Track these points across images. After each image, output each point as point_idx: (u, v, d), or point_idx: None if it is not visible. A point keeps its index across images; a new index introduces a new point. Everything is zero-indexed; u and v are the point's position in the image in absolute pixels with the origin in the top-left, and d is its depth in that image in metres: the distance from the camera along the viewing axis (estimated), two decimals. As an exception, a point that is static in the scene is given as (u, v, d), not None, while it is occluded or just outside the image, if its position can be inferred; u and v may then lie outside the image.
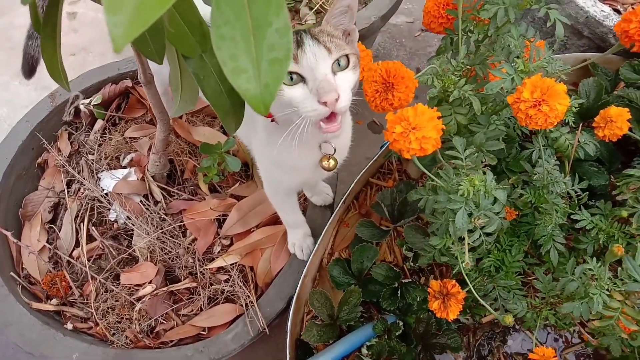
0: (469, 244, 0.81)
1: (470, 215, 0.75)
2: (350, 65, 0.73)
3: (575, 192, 0.98)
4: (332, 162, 0.87)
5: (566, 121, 0.91)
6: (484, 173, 0.73)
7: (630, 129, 0.93)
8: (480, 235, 0.81)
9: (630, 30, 0.74)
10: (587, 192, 1.03)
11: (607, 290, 0.79)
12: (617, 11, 1.35)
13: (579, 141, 0.98)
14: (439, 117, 0.62)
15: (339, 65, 0.72)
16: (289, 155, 0.86)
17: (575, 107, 0.90)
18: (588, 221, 0.95)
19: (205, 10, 0.62)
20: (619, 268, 0.81)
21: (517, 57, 0.79)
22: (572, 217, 0.97)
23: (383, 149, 1.24)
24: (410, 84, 0.67)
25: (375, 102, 0.69)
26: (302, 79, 0.71)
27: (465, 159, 0.74)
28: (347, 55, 0.72)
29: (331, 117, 0.70)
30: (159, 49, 0.58)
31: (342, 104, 0.69)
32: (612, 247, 0.73)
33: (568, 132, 0.95)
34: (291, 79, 0.71)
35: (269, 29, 0.35)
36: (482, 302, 0.82)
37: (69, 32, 2.16)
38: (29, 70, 1.07)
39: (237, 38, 0.35)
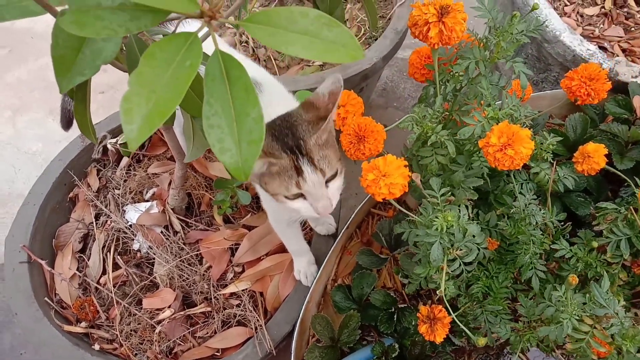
0: (449, 272, 0.90)
1: (450, 246, 0.84)
2: (338, 173, 0.87)
3: (559, 222, 1.06)
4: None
5: (545, 158, 1.00)
6: (465, 207, 0.82)
7: (610, 162, 1.01)
8: (460, 265, 0.90)
9: (573, 87, 0.83)
10: (572, 222, 1.11)
11: (577, 315, 0.87)
12: (604, 48, 1.43)
13: (557, 175, 1.06)
14: (405, 166, 0.72)
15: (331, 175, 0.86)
16: (286, 208, 0.95)
17: (553, 145, 0.99)
18: (567, 250, 1.02)
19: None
20: (587, 295, 0.88)
21: (488, 105, 0.89)
22: (553, 247, 1.05)
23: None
24: (379, 136, 0.77)
25: (350, 152, 0.80)
26: (303, 195, 0.85)
27: (441, 197, 0.83)
28: (336, 168, 0.86)
29: None
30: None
31: (334, 206, 0.86)
32: (568, 278, 0.81)
33: (547, 168, 1.03)
34: (294, 194, 0.85)
35: (247, 118, 0.46)
36: (461, 325, 0.90)
37: (99, 73, 2.33)
38: (66, 122, 1.21)
39: (223, 125, 0.46)
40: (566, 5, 1.52)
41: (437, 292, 0.84)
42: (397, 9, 1.70)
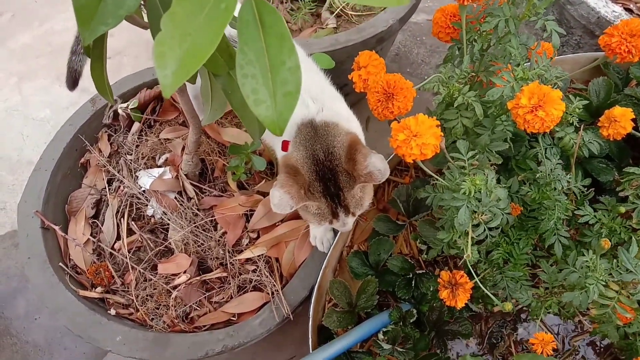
0: (473, 237, 0.89)
1: (474, 211, 0.83)
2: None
3: (581, 188, 1.04)
4: None
5: (570, 122, 0.97)
6: (491, 171, 0.80)
7: (635, 128, 0.98)
8: (484, 230, 0.88)
9: (613, 44, 0.79)
10: (594, 189, 1.09)
11: (604, 281, 0.85)
12: (630, 10, 1.38)
13: (583, 140, 1.03)
14: (437, 126, 0.70)
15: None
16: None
17: (579, 109, 0.96)
18: (591, 216, 1.01)
19: (229, 32, 0.71)
20: (615, 260, 0.87)
21: (517, 66, 0.86)
22: (577, 212, 1.03)
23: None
24: (409, 94, 0.74)
25: (377, 110, 0.77)
26: None
27: (468, 160, 0.81)
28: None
29: None
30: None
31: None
32: (600, 242, 0.80)
33: (573, 132, 1.00)
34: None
35: (282, 67, 0.44)
36: (486, 291, 0.89)
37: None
38: (72, 82, 1.18)
39: (258, 75, 0.43)
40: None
41: (465, 256, 0.83)
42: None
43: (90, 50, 0.73)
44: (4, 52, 2.27)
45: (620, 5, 1.37)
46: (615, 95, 1.25)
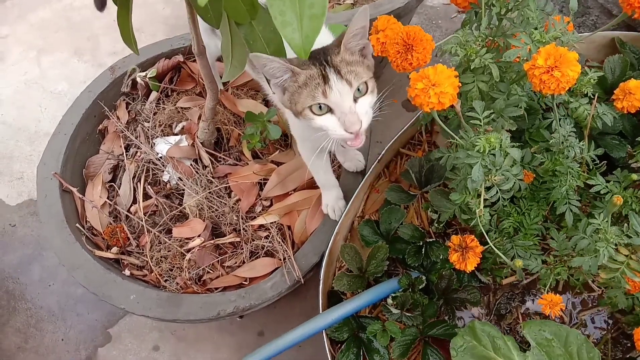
0: (486, 199, 0.90)
1: (488, 172, 0.84)
2: (369, 90, 0.88)
3: (593, 160, 1.05)
4: None
5: (586, 93, 0.98)
6: (505, 132, 0.81)
7: (648, 105, 0.99)
8: (497, 192, 0.89)
9: None
10: (606, 163, 1.09)
11: (614, 243, 0.86)
12: (649, -10, 1.37)
13: (596, 111, 1.04)
14: (455, 77, 0.71)
15: (359, 91, 0.87)
16: (314, 129, 0.97)
17: (594, 80, 0.97)
18: (602, 186, 1.01)
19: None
20: (625, 225, 0.88)
21: (535, 29, 0.86)
22: (588, 182, 1.04)
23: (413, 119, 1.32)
24: (428, 46, 0.76)
25: (397, 62, 0.78)
26: (330, 109, 0.87)
27: (484, 119, 0.82)
28: (365, 82, 0.87)
29: (356, 136, 0.88)
30: (217, 15, 0.69)
31: (364, 127, 0.87)
32: (613, 198, 0.80)
33: (587, 103, 1.01)
34: (320, 108, 0.87)
35: (309, -10, 0.45)
36: (497, 251, 0.90)
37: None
38: (100, 3, 1.17)
39: (285, -2, 0.45)
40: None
41: (477, 211, 0.84)
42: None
43: (117, -2, 0.75)
44: (25, 26, 2.30)
45: (639, -16, 1.37)
46: (631, 73, 1.25)
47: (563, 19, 0.88)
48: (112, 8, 2.54)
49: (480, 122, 0.82)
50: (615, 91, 1.00)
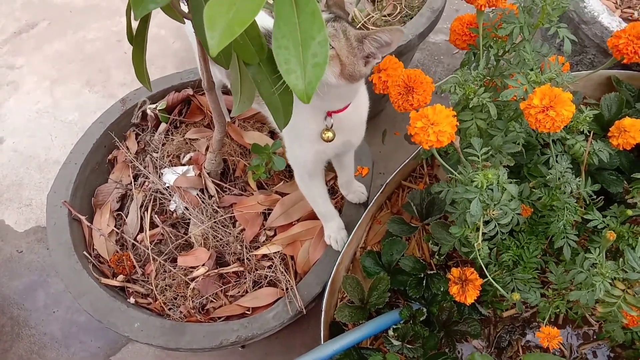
0: (484, 233, 0.92)
1: (486, 207, 0.86)
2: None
3: (590, 195, 1.07)
4: (329, 134, 1.02)
5: (582, 130, 1.01)
6: (503, 168, 0.84)
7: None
8: (495, 226, 0.91)
9: (620, 45, 0.84)
10: (603, 198, 1.12)
11: (610, 278, 0.88)
12: (643, 31, 1.42)
13: (594, 149, 1.07)
14: (453, 116, 0.74)
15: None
16: (299, 119, 0.98)
17: (590, 118, 1.00)
18: (599, 221, 1.03)
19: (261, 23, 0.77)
20: (621, 259, 0.89)
21: (531, 69, 0.90)
22: (585, 217, 1.06)
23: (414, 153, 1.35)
24: (428, 88, 0.79)
25: (398, 103, 0.82)
26: None
27: (482, 156, 0.85)
28: (338, 56, 0.86)
29: None
30: (227, 56, 0.73)
31: None
32: (606, 233, 0.83)
33: (583, 140, 1.04)
34: None
35: (312, 41, 0.49)
36: (495, 285, 0.92)
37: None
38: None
39: (290, 47, 0.48)
40: (606, -12, 1.51)
41: (475, 245, 0.86)
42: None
43: (133, 38, 0.79)
44: (40, 57, 2.38)
45: (634, 25, 1.41)
46: (627, 111, 1.29)
47: (558, 59, 0.92)
48: (124, 41, 2.62)
49: (479, 158, 0.85)
50: (610, 129, 1.03)
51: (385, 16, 1.71)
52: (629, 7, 1.47)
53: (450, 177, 0.91)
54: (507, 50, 0.95)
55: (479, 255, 0.92)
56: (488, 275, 0.93)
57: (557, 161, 1.05)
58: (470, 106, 0.91)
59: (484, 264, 1.00)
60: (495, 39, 0.95)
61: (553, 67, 0.90)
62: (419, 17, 1.60)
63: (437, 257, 1.19)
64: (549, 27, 0.91)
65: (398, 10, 1.75)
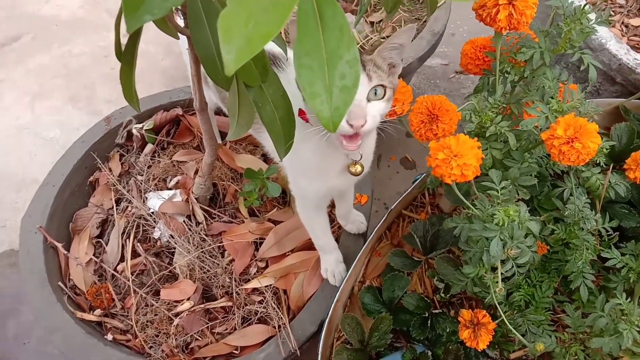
0: (501, 273, 0.85)
1: (504, 245, 0.79)
2: (386, 97, 0.80)
3: (607, 231, 1.01)
4: (358, 167, 0.93)
5: (597, 162, 0.95)
6: (524, 203, 0.77)
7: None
8: (512, 266, 0.84)
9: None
10: (618, 233, 1.05)
11: (638, 326, 0.81)
12: (650, 60, 1.39)
13: (609, 182, 1.01)
14: (479, 147, 0.67)
15: (375, 94, 0.79)
16: (317, 157, 0.92)
17: (607, 149, 0.94)
18: (618, 260, 0.97)
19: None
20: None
21: (552, 98, 0.84)
22: (602, 255, 0.99)
23: (417, 181, 1.28)
24: (454, 116, 0.72)
25: (420, 132, 0.74)
26: None
27: (500, 190, 0.78)
28: (384, 87, 0.79)
29: (354, 136, 0.78)
30: (228, 77, 0.65)
31: (366, 128, 0.77)
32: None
33: (599, 173, 0.98)
34: None
35: (340, 61, 0.41)
36: (514, 331, 0.84)
37: (119, 64, 2.31)
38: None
39: (315, 67, 0.41)
40: (611, 16, 1.48)
41: (497, 290, 0.79)
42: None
43: (122, 55, 0.71)
44: (22, 71, 2.28)
45: (641, 54, 1.38)
46: (638, 141, 1.24)
47: (580, 88, 0.86)
48: (111, 57, 2.52)
49: (498, 192, 0.78)
50: (627, 161, 0.97)
51: (383, 38, 1.66)
52: (635, 35, 1.44)
53: (458, 208, 0.83)
54: (525, 77, 0.89)
55: (495, 298, 0.85)
56: (504, 319, 0.85)
57: (572, 194, 0.99)
58: (486, 135, 0.85)
59: (494, 302, 0.92)
60: (512, 64, 0.89)
61: (575, 95, 0.84)
62: (419, 40, 1.55)
63: (442, 295, 1.11)
64: (569, 53, 0.85)
65: (397, 32, 1.70)
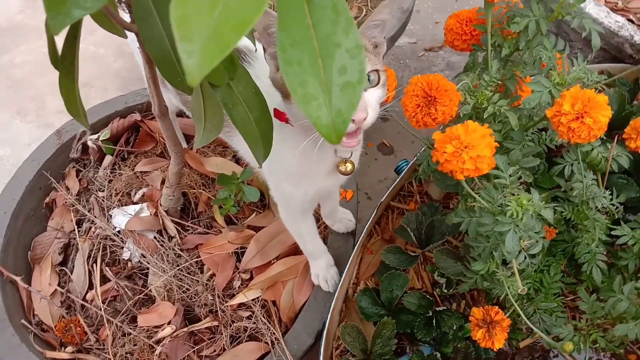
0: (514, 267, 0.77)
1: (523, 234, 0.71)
2: (381, 83, 0.72)
3: (615, 207, 0.94)
4: (349, 165, 0.84)
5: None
6: (527, 191, 0.69)
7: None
8: (525, 258, 0.76)
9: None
10: (622, 207, 0.99)
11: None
12: (631, 21, 1.33)
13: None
14: (491, 134, 0.59)
15: (369, 81, 0.70)
16: (301, 158, 0.82)
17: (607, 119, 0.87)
18: (629, 236, 0.91)
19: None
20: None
21: (551, 70, 0.76)
22: (612, 233, 0.93)
23: (402, 170, 1.20)
24: (454, 97, 0.63)
25: (417, 118, 0.65)
26: None
27: (510, 177, 0.70)
28: (377, 71, 0.70)
29: (353, 132, 0.69)
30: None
31: (369, 121, 0.68)
32: None
33: (599, 145, 0.91)
34: None
35: (337, 50, 0.32)
36: (535, 329, 0.77)
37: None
38: None
39: (305, 62, 0.31)
40: (585, -24, 1.42)
41: (520, 291, 0.71)
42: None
43: (59, 63, 0.59)
44: (-42, 86, 2.09)
45: (621, 15, 1.32)
46: (630, 107, 1.18)
47: (581, 57, 0.78)
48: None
49: (507, 180, 0.70)
50: (626, 130, 0.90)
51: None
52: (611, -4, 1.38)
53: (452, 198, 0.75)
54: (519, 49, 0.80)
55: (510, 293, 0.77)
56: (523, 316, 0.77)
57: (573, 171, 0.92)
58: (484, 117, 0.76)
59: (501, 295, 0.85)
60: (503, 36, 0.81)
61: (577, 64, 0.76)
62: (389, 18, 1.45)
63: (444, 290, 1.03)
64: (564, 19, 0.77)
65: (364, 12, 1.60)
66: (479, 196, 0.71)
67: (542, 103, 0.72)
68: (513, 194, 0.69)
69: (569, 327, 0.89)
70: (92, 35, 2.24)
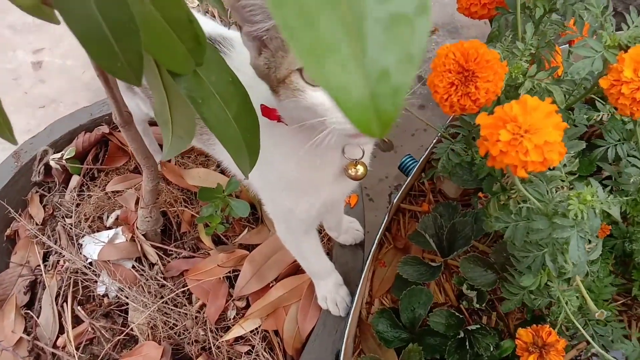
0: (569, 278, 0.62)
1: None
2: None
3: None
4: (360, 168, 0.68)
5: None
6: (595, 181, 0.54)
7: None
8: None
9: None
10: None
11: None
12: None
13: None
14: (556, 111, 0.43)
15: None
16: (301, 164, 0.66)
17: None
18: (694, 227, 0.76)
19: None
20: None
21: (600, 30, 0.61)
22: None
23: (409, 169, 1.05)
24: (499, 69, 0.48)
25: (451, 100, 0.50)
26: None
27: (564, 167, 0.55)
28: None
29: None
30: (135, 63, 0.38)
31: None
32: None
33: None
34: None
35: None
36: (598, 349, 0.62)
37: (36, 83, 1.98)
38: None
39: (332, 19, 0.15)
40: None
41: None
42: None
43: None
44: None
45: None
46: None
47: (634, 12, 0.63)
48: (22, 79, 2.15)
49: (562, 172, 0.55)
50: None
51: None
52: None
53: (465, 202, 0.60)
54: (555, 10, 0.65)
55: (568, 308, 0.62)
56: (584, 333, 0.62)
57: (618, 153, 0.78)
58: (520, 93, 0.61)
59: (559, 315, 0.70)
60: (534, -6, 0.66)
61: (632, 19, 0.61)
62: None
63: (475, 305, 0.88)
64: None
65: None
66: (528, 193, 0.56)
67: (595, 70, 0.57)
68: (571, 188, 0.54)
69: (633, 342, 0.74)
70: (58, 47, 2.08)
